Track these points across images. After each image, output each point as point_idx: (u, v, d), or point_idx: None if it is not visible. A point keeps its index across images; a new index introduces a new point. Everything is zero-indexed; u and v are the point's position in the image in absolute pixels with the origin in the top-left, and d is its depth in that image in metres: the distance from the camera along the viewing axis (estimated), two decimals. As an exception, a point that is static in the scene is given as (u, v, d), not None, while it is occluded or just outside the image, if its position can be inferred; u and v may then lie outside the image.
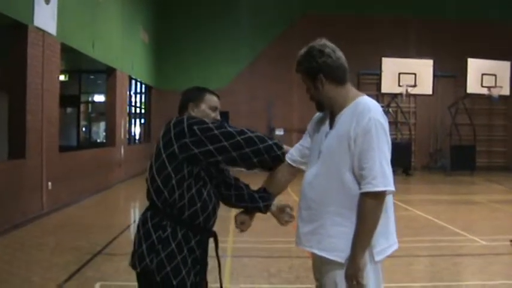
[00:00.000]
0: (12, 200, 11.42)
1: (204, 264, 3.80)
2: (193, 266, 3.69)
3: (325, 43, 3.64)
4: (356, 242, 3.28)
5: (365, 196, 3.26)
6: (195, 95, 3.98)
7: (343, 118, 3.45)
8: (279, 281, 7.90)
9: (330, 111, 3.62)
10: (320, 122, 3.72)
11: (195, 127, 3.65)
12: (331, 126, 3.53)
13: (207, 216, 3.75)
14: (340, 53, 3.72)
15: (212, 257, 3.87)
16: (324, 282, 3.49)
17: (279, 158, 3.86)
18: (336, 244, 3.36)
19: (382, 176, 3.24)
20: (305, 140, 3.88)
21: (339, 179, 3.37)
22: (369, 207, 3.25)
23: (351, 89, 3.68)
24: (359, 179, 3.30)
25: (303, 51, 3.66)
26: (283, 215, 3.95)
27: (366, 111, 3.37)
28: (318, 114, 3.83)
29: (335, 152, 3.41)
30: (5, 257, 9.21)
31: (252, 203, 3.90)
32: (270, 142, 3.82)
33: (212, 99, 3.99)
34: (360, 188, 3.29)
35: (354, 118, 3.37)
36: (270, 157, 3.79)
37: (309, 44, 3.67)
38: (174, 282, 3.63)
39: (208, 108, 3.95)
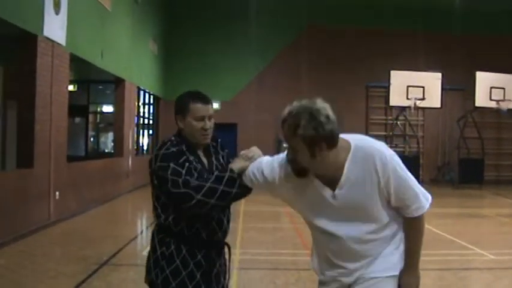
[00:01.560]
0: (19, 209, 11.43)
1: (211, 277, 3.73)
2: (202, 279, 3.67)
3: (325, 106, 3.24)
4: (414, 254, 3.43)
5: (416, 218, 3.38)
6: (180, 106, 3.75)
7: (351, 174, 3.27)
8: (286, 293, 7.88)
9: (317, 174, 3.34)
10: (300, 186, 3.40)
11: (161, 161, 3.56)
12: (330, 186, 3.31)
13: (212, 230, 3.69)
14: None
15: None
16: None
17: (237, 196, 3.58)
18: (389, 263, 3.43)
19: (423, 196, 3.35)
20: (261, 176, 3.53)
21: (382, 224, 3.39)
22: (421, 225, 3.42)
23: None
24: (404, 208, 3.35)
25: (304, 114, 3.14)
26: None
27: (372, 156, 3.26)
28: (284, 172, 3.43)
29: (366, 205, 3.34)
30: (11, 266, 9.21)
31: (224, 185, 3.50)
32: (214, 175, 3.51)
33: (196, 109, 3.68)
34: (407, 213, 3.36)
35: (366, 168, 3.25)
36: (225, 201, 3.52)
37: (303, 103, 3.23)
38: None
39: (193, 120, 3.68)
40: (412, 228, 3.40)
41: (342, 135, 3.26)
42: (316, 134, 3.09)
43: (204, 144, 3.77)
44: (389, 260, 3.42)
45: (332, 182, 3.27)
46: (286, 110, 3.22)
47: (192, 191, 3.42)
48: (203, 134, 3.70)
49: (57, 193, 13.28)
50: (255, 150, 3.70)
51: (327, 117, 3.13)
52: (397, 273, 3.42)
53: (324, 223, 3.43)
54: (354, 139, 3.30)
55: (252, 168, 3.56)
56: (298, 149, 3.18)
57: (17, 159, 12.48)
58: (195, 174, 3.54)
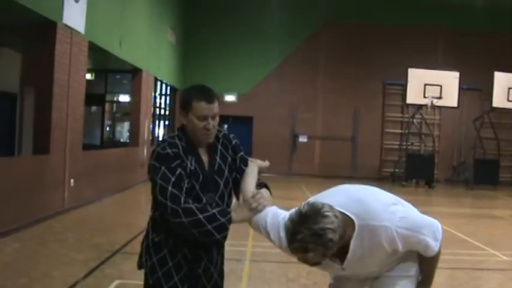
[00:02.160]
0: (34, 195, 11.51)
1: (198, 273, 3.69)
2: (189, 273, 3.65)
3: (328, 214, 3.09)
4: (429, 274, 3.59)
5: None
6: (184, 102, 3.61)
7: (357, 251, 3.30)
8: (297, 287, 7.89)
9: None
10: None
11: (155, 161, 3.54)
12: (339, 258, 3.36)
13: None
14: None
15: (230, 260, 3.85)
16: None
17: (219, 241, 3.54)
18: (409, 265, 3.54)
19: (434, 239, 3.39)
20: (267, 236, 3.53)
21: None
22: (436, 256, 3.49)
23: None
24: (422, 252, 3.43)
25: (310, 238, 3.04)
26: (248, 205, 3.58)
27: (378, 236, 3.26)
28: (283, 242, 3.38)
29: (377, 268, 3.47)
30: (25, 251, 9.29)
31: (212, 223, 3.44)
32: (214, 211, 3.45)
33: (199, 108, 3.52)
34: (427, 254, 3.45)
35: (373, 245, 3.28)
36: (213, 228, 3.42)
37: (305, 220, 3.08)
38: (165, 287, 3.61)
39: (195, 118, 3.54)
40: (426, 259, 3.50)
41: (341, 209, 3.23)
42: (327, 249, 3.08)
43: (206, 143, 3.67)
44: (407, 263, 3.52)
45: (339, 256, 3.31)
46: (290, 230, 3.12)
47: (181, 211, 3.39)
48: (205, 133, 3.58)
49: (72, 180, 13.35)
50: (262, 199, 3.58)
51: (333, 230, 3.06)
52: (413, 274, 3.54)
53: (338, 276, 3.65)
54: (357, 214, 3.26)
55: (259, 223, 3.54)
56: (310, 261, 3.17)
57: (33, 146, 12.56)
58: (186, 181, 3.49)
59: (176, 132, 3.66)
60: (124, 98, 25.47)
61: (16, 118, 15.58)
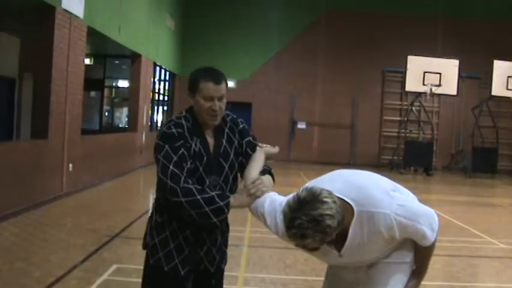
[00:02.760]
0: (33, 179, 11.51)
1: (200, 255, 3.70)
2: (191, 255, 3.66)
3: (326, 200, 3.05)
4: (423, 265, 3.53)
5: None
6: (192, 83, 3.59)
7: (356, 238, 3.28)
8: (295, 273, 7.91)
9: None
10: None
11: (160, 139, 3.56)
12: (336, 246, 3.33)
13: None
14: None
15: (231, 246, 3.85)
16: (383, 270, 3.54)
17: (215, 224, 3.50)
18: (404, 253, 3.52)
19: (430, 229, 3.34)
20: (264, 222, 3.50)
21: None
22: (431, 246, 3.43)
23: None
24: (419, 241, 3.41)
25: (308, 224, 2.99)
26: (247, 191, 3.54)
27: (377, 222, 3.23)
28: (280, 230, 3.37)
29: (375, 256, 3.45)
30: (24, 235, 9.30)
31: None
32: (213, 193, 3.43)
33: (206, 88, 3.51)
34: (423, 244, 3.41)
35: (371, 232, 3.25)
36: (210, 211, 3.40)
37: (303, 205, 3.03)
38: (166, 269, 3.61)
39: (202, 98, 3.52)
40: (422, 248, 3.47)
41: (340, 195, 3.20)
42: (325, 235, 3.05)
43: (212, 125, 3.64)
44: (404, 251, 3.51)
45: (337, 242, 3.28)
46: (287, 216, 3.08)
47: (179, 191, 3.38)
48: (211, 114, 3.56)
49: (70, 165, 13.34)
50: (261, 185, 3.55)
51: (331, 216, 3.01)
52: (409, 260, 3.52)
53: (334, 265, 3.61)
54: (356, 201, 3.23)
55: (257, 209, 3.52)
56: (308, 246, 3.14)
57: (32, 130, 12.55)
58: (189, 161, 3.49)
59: (183, 113, 3.66)
60: (123, 84, 25.44)
61: (14, 103, 15.57)
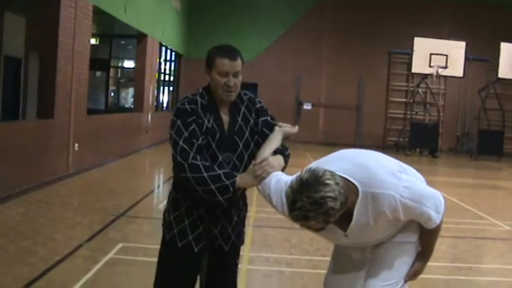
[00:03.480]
0: (39, 159, 11.53)
1: (214, 233, 3.72)
2: (205, 233, 3.69)
3: (328, 182, 3.02)
4: (428, 247, 3.54)
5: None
6: (208, 59, 3.64)
7: (361, 218, 3.28)
8: (300, 252, 7.93)
9: None
10: None
11: (174, 115, 3.61)
12: (341, 226, 3.32)
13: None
14: None
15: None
16: (390, 249, 3.55)
17: (220, 202, 3.52)
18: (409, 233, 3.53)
19: (436, 212, 3.33)
20: (270, 202, 3.51)
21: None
22: (437, 229, 3.43)
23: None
24: (423, 224, 3.40)
25: (310, 206, 2.97)
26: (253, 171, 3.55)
27: (381, 202, 3.22)
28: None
29: (380, 236, 3.47)
30: (30, 214, 9.34)
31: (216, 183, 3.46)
32: (219, 171, 3.47)
33: (222, 64, 3.55)
34: (428, 226, 3.41)
35: (376, 212, 3.25)
36: (216, 188, 3.44)
37: (305, 188, 3.01)
38: (179, 245, 3.66)
39: (217, 74, 3.57)
40: (427, 230, 3.46)
41: (345, 175, 3.19)
42: (328, 217, 3.03)
43: (227, 101, 3.66)
44: (409, 231, 3.51)
45: (343, 222, 3.27)
46: (290, 198, 3.06)
47: (187, 166, 3.45)
48: (226, 90, 3.58)
49: (76, 145, 13.36)
50: (267, 166, 3.54)
51: (334, 198, 2.99)
52: (415, 240, 3.53)
53: (340, 245, 3.63)
54: (360, 181, 3.21)
55: (264, 189, 3.51)
56: (312, 228, 3.13)
57: (38, 110, 12.56)
58: (201, 138, 3.53)
59: (200, 90, 3.69)
60: (129, 64, 25.42)
61: (20, 82, 15.55)
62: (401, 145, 27.06)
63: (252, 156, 3.73)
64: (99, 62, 21.76)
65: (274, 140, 3.72)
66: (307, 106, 28.69)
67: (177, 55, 27.24)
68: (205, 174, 3.42)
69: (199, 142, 3.53)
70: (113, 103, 25.36)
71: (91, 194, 11.55)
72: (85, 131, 14.01)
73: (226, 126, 3.66)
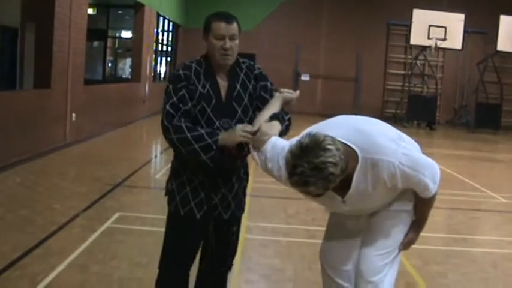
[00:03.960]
0: (36, 129, 11.52)
1: (215, 201, 3.73)
2: (206, 199, 3.71)
3: (329, 147, 2.97)
4: (423, 217, 3.58)
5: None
6: (205, 25, 3.66)
7: (360, 185, 3.26)
8: (296, 222, 7.97)
9: None
10: None
11: (168, 81, 3.68)
12: (339, 192, 3.30)
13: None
14: None
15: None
16: (384, 217, 3.57)
17: (204, 161, 3.52)
18: (405, 201, 3.54)
19: (432, 181, 3.35)
20: (265, 167, 3.48)
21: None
22: (432, 199, 3.47)
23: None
24: (420, 193, 3.42)
25: (310, 172, 2.92)
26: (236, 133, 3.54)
27: (381, 169, 3.21)
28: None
29: (378, 204, 3.48)
30: (27, 183, 9.36)
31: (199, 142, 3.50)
32: (202, 131, 3.50)
33: (217, 27, 3.58)
34: (418, 193, 3.44)
35: (375, 178, 3.24)
36: (199, 147, 3.48)
37: (305, 151, 2.96)
38: (182, 213, 3.70)
39: (214, 38, 3.59)
40: (422, 200, 3.48)
41: (345, 140, 3.16)
42: (328, 182, 2.98)
43: (224, 65, 3.66)
44: (405, 199, 3.52)
45: (341, 189, 3.25)
46: (289, 163, 3.01)
47: (171, 128, 3.51)
48: (222, 53, 3.59)
49: (73, 115, 13.33)
50: (261, 135, 3.50)
51: (334, 164, 2.94)
52: (410, 208, 3.55)
53: (336, 213, 3.65)
54: (360, 147, 3.19)
55: (259, 155, 3.48)
56: (312, 193, 3.08)
57: (34, 80, 12.51)
58: (190, 103, 3.55)
59: (198, 58, 3.73)
60: (126, 34, 25.31)
61: (17, 53, 15.48)
62: (399, 117, 27.03)
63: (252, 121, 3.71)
64: (96, 32, 21.67)
65: (273, 106, 3.69)
66: (305, 77, 28.60)
67: (175, 25, 27.08)
68: (188, 135, 3.47)
69: (186, 107, 3.56)
70: (110, 73, 25.29)
71: (88, 164, 11.56)
72: (82, 101, 13.98)
73: (223, 93, 3.67)
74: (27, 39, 14.70)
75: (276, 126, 3.59)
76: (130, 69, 22.86)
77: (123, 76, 25.62)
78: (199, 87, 3.60)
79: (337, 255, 3.69)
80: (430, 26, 24.98)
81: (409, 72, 27.17)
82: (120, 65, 26.54)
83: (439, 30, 25.04)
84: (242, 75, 3.74)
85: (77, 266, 5.69)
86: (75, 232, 6.85)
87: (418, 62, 26.77)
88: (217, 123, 3.60)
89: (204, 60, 3.69)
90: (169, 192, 3.78)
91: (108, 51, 24.92)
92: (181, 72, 3.61)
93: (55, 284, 5.19)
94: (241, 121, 3.66)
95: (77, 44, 13.48)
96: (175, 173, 3.77)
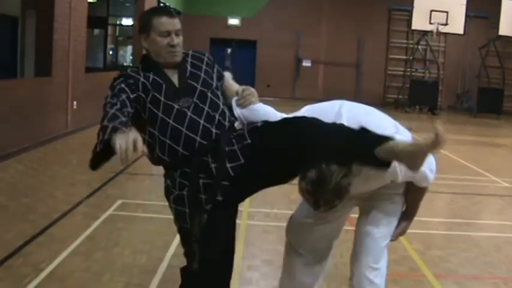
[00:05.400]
0: (38, 117, 11.52)
1: (197, 197, 3.28)
2: (189, 199, 3.30)
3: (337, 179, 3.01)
4: (415, 205, 3.65)
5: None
6: (143, 24, 3.32)
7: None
8: (299, 209, 7.97)
9: None
10: None
11: (114, 79, 3.37)
12: None
13: (173, 152, 3.29)
14: None
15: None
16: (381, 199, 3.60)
17: (104, 143, 2.99)
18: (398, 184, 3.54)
19: (430, 171, 3.40)
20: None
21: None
22: (426, 189, 3.57)
23: None
24: (417, 183, 3.47)
25: (345, 182, 3.02)
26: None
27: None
28: None
29: (373, 190, 3.55)
30: (29, 171, 9.37)
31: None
32: (105, 123, 3.05)
33: (160, 23, 3.26)
34: (414, 182, 3.48)
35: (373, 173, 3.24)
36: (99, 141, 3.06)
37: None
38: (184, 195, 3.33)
39: (158, 35, 3.26)
40: (416, 189, 3.53)
41: None
42: (349, 190, 3.06)
43: (172, 62, 3.34)
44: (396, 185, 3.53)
45: None
46: (311, 201, 3.12)
47: (103, 116, 3.13)
48: (170, 51, 3.28)
49: (74, 103, 13.33)
50: (250, 95, 3.47)
51: (345, 175, 3.02)
52: (401, 192, 3.59)
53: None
54: None
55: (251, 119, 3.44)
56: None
57: (36, 68, 12.50)
58: (132, 96, 3.21)
59: (135, 67, 3.42)
60: (127, 21, 25.22)
61: (18, 41, 15.44)
62: (400, 102, 26.99)
63: (219, 96, 3.42)
64: (97, 20, 21.52)
65: (231, 80, 3.64)
66: (306, 63, 28.54)
67: (176, 12, 26.93)
68: (104, 123, 3.08)
69: (123, 98, 3.19)
70: (111, 61, 25.20)
71: (90, 152, 11.47)
72: (83, 89, 13.97)
73: (174, 80, 3.33)
74: (28, 27, 14.67)
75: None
76: (131, 57, 22.79)
77: (124, 64, 25.55)
78: (142, 79, 3.29)
79: (303, 232, 3.83)
80: (431, 10, 24.88)
81: (411, 58, 27.10)
82: (121, 52, 26.46)
83: (440, 14, 24.94)
84: (190, 59, 3.45)
85: (80, 253, 5.71)
86: (77, 220, 6.87)
87: (419, 47, 26.71)
88: (176, 106, 3.23)
89: (146, 62, 3.40)
90: (165, 190, 3.44)
91: (109, 38, 24.82)
92: (128, 70, 3.34)
93: (58, 271, 5.20)
94: (204, 96, 3.31)
95: (77, 31, 13.45)
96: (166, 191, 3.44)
